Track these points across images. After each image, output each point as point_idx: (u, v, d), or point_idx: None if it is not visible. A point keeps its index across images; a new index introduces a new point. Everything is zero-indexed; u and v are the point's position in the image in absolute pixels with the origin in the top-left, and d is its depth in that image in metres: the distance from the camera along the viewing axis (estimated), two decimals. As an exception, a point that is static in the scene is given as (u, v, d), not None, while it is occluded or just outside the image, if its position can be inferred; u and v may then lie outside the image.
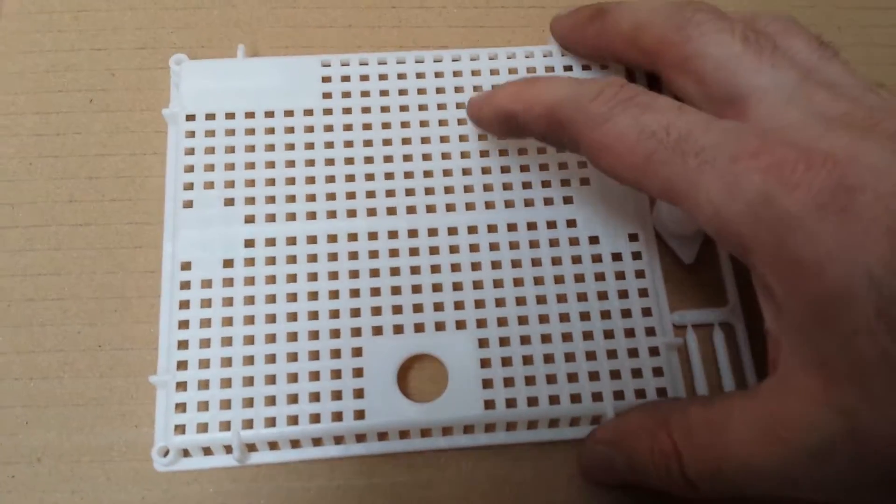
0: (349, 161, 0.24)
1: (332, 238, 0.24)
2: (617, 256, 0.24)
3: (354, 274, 0.23)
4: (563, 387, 0.22)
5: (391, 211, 0.24)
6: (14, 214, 0.25)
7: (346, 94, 0.25)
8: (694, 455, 0.18)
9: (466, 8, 0.28)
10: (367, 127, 0.25)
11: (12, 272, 0.24)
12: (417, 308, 0.23)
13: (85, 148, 0.26)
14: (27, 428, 0.23)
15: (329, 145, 0.25)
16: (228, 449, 0.22)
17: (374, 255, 0.23)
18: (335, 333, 0.23)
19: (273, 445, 0.22)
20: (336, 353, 0.22)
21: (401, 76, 0.26)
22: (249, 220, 0.24)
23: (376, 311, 0.23)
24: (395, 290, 0.23)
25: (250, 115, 0.25)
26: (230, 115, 0.25)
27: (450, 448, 0.23)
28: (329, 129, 0.25)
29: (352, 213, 0.24)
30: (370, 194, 0.24)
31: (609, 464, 0.21)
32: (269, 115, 0.25)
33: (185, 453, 0.22)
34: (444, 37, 0.28)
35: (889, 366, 0.14)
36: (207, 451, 0.22)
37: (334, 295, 0.23)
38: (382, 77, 0.26)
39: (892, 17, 0.29)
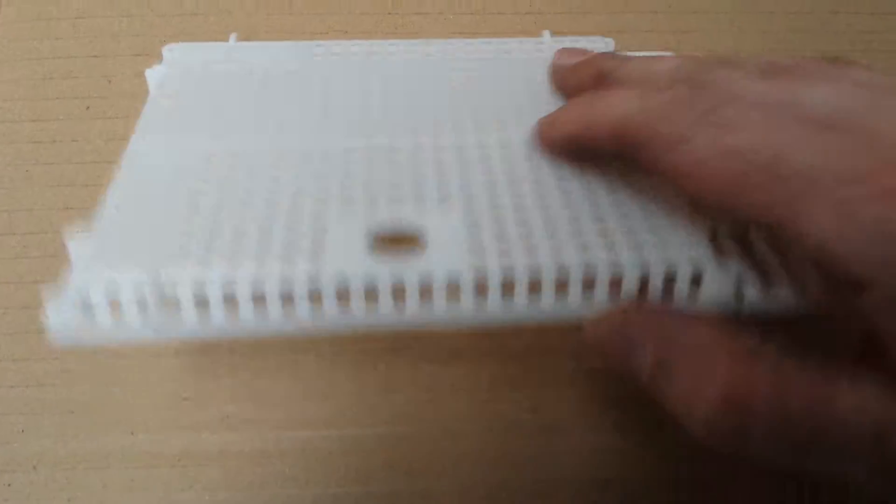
0: None
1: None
2: None
3: None
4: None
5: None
6: (10, 221, 0.25)
7: None
8: (759, 421, 0.15)
9: (463, 14, 0.28)
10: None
11: (8, 279, 0.24)
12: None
13: (81, 155, 0.26)
14: (23, 436, 0.23)
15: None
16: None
17: None
18: None
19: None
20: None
21: None
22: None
23: None
24: None
25: None
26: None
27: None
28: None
29: None
30: None
31: (628, 353, 0.17)
32: None
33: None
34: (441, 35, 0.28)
35: None
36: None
37: None
38: None
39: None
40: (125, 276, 0.17)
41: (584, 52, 0.23)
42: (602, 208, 0.19)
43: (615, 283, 0.18)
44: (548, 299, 0.17)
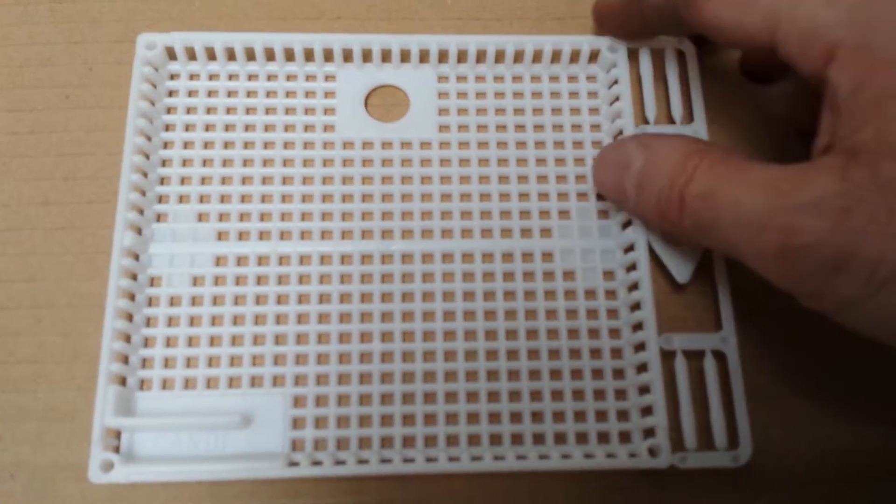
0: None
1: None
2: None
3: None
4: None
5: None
6: (-14, 217, 0.23)
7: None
8: (701, 182, 0.19)
9: (460, -1, 0.27)
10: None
11: (-17, 278, 0.23)
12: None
13: (61, 147, 0.25)
14: (0, 443, 0.21)
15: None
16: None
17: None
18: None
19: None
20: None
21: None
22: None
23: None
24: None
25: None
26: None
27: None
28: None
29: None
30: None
31: (626, 162, 0.21)
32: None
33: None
34: (438, 29, 0.26)
35: None
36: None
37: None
38: None
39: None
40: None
41: None
42: None
43: None
44: None
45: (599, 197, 0.24)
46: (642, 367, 0.23)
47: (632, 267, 0.23)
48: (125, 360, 0.22)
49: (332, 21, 0.26)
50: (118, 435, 0.22)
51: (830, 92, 0.17)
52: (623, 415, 0.22)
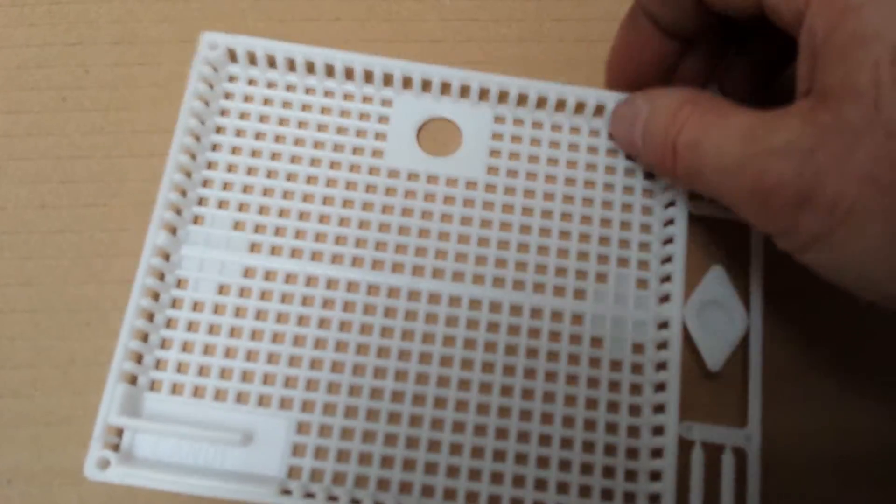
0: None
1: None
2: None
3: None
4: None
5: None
6: (-19, 221, 0.23)
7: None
8: (689, 131, 0.20)
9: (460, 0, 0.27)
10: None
11: (-21, 283, 0.23)
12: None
13: (58, 150, 0.24)
14: (-4, 449, 0.21)
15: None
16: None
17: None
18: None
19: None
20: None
21: None
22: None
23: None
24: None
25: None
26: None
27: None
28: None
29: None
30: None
31: (635, 115, 0.22)
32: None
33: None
34: (438, 31, 0.26)
35: (869, 104, 0.16)
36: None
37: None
38: None
39: None
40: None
41: None
42: None
43: None
44: None
45: (641, 265, 0.24)
46: (657, 453, 0.22)
47: (662, 345, 0.23)
48: (139, 359, 0.22)
49: (331, 22, 0.26)
50: (120, 433, 0.21)
51: (808, 38, 0.18)
52: (630, 498, 0.22)
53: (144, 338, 0.22)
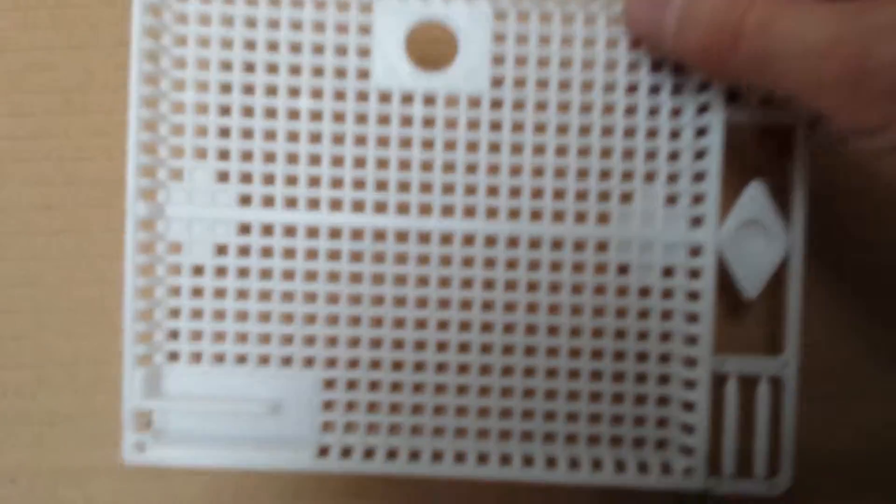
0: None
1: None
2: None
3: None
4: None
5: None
6: (-14, 222, 0.23)
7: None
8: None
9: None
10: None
11: (-17, 283, 0.23)
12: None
13: (61, 152, 0.25)
14: (1, 447, 0.21)
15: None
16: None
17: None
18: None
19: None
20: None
21: None
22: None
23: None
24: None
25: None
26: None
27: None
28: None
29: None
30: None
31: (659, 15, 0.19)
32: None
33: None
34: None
35: None
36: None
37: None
38: None
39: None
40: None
41: None
42: None
43: None
44: None
45: (670, 179, 0.22)
46: (690, 384, 0.21)
47: (695, 273, 0.21)
48: (149, 337, 0.21)
49: None
50: (146, 420, 0.21)
51: None
52: (662, 423, 0.22)
53: (149, 314, 0.21)
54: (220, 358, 0.21)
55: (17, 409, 0.22)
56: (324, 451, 0.21)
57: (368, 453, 0.21)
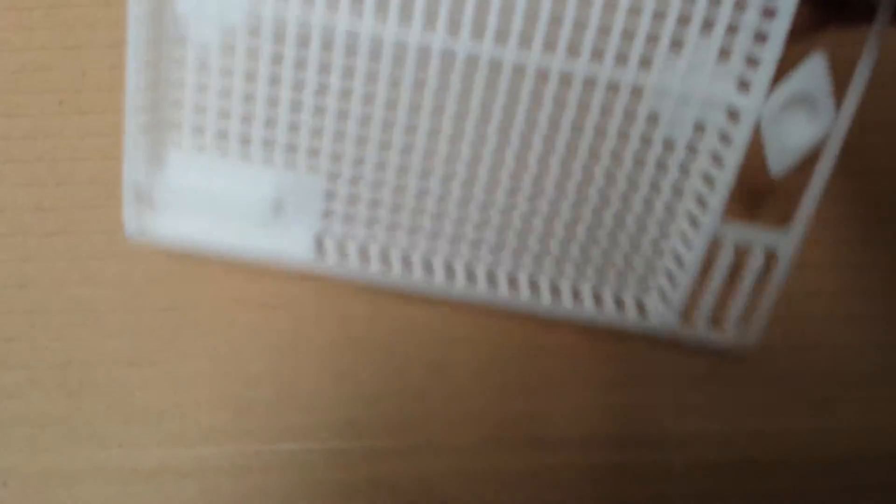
0: None
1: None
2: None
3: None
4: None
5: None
6: (-21, 223, 0.23)
7: None
8: None
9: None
10: None
11: (-24, 285, 0.23)
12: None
13: (55, 152, 0.25)
14: (-8, 450, 0.21)
15: None
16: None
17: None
18: None
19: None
20: None
21: None
22: None
23: None
24: None
25: None
26: None
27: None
28: None
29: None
30: None
31: None
32: None
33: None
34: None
35: None
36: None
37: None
38: None
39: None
40: None
41: None
42: None
43: None
44: None
45: (729, 30, 0.20)
46: (687, 241, 0.21)
47: (726, 138, 0.20)
48: (152, 111, 0.20)
49: None
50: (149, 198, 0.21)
51: None
52: (650, 268, 0.22)
53: (154, 86, 0.20)
54: (223, 151, 0.21)
55: (10, 411, 0.22)
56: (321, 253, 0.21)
57: (364, 257, 0.21)
